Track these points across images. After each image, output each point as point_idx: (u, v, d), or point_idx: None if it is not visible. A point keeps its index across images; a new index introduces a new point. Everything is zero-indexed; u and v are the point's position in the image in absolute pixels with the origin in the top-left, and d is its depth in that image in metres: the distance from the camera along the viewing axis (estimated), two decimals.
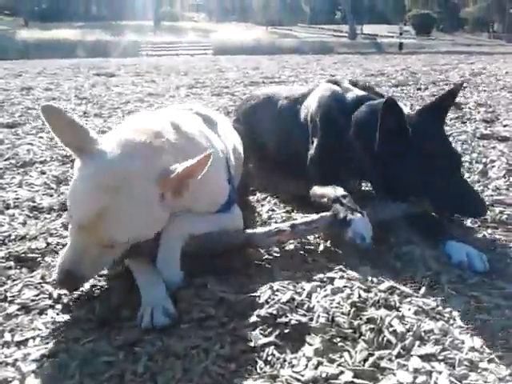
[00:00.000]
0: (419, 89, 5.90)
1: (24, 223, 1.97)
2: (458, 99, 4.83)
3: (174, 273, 1.39)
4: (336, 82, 2.21)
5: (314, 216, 1.69)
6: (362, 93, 2.07)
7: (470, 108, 4.39)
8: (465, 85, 6.09)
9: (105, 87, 6.57)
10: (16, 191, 2.35)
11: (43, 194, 2.32)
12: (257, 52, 16.88)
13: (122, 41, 19.96)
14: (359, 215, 1.63)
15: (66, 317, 1.31)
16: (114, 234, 1.26)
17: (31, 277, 1.51)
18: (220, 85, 6.78)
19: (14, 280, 1.49)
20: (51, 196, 2.29)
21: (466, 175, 2.48)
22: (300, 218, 1.87)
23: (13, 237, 1.81)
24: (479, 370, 1.06)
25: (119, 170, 1.26)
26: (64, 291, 1.38)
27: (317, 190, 1.91)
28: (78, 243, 1.27)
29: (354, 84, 2.16)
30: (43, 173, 2.64)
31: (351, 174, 2.08)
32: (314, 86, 2.37)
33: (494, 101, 4.80)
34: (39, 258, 1.64)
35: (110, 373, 1.06)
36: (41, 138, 3.51)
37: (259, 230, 1.63)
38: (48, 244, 1.73)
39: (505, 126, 3.64)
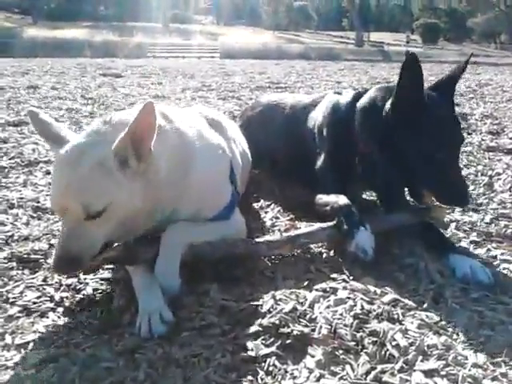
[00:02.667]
0: None
1: (27, 223, 1.97)
2: (464, 110, 4.86)
3: (172, 280, 1.38)
4: (338, 93, 2.21)
5: (316, 227, 1.68)
6: (360, 92, 2.06)
7: (476, 119, 4.38)
8: (471, 96, 6.09)
9: (111, 88, 6.58)
10: (20, 191, 2.35)
11: (47, 195, 2.32)
12: (264, 56, 16.90)
13: (129, 42, 20.03)
14: (362, 228, 1.62)
15: (68, 320, 1.31)
16: (83, 201, 1.26)
17: (33, 278, 1.52)
18: (226, 89, 6.79)
19: (16, 281, 1.49)
20: None
21: (471, 188, 2.47)
22: (303, 227, 1.87)
23: (16, 237, 1.81)
24: None
25: (76, 146, 1.33)
26: (61, 277, 1.43)
27: (320, 198, 1.90)
28: (63, 227, 1.32)
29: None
30: (48, 173, 2.64)
31: (357, 185, 2.08)
32: (320, 95, 2.37)
33: (500, 113, 4.79)
34: (41, 260, 1.64)
35: (110, 379, 1.05)
36: None
37: (260, 240, 1.61)
38: (51, 245, 1.73)
39: (511, 138, 3.63)
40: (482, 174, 2.68)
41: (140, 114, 1.26)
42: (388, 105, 1.76)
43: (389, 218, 1.83)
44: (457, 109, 4.88)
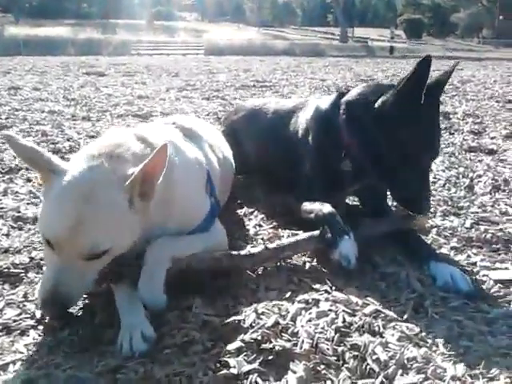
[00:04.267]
0: None
1: (7, 234, 1.94)
2: (446, 108, 4.91)
3: (157, 296, 1.37)
4: (319, 98, 2.23)
5: (300, 237, 1.69)
6: (343, 92, 2.07)
7: (458, 118, 4.42)
8: (454, 93, 6.16)
9: (94, 88, 6.52)
10: (0, 200, 2.32)
11: (28, 204, 2.30)
12: (248, 53, 16.90)
13: (113, 39, 19.84)
14: (346, 237, 1.63)
15: (48, 338, 1.29)
16: (94, 242, 1.25)
17: (13, 294, 1.50)
18: (211, 88, 6.77)
19: None
20: (36, 205, 2.26)
21: (453, 190, 2.50)
22: (286, 235, 1.88)
23: None
24: None
25: (85, 181, 1.28)
26: (51, 317, 1.36)
27: (305, 205, 1.90)
28: (58, 262, 1.26)
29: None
30: (29, 180, 2.62)
31: (342, 190, 2.09)
32: (302, 100, 2.38)
33: (482, 111, 4.85)
34: (22, 274, 1.62)
35: None
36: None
37: (244, 252, 1.61)
38: (32, 259, 1.71)
39: (492, 138, 3.68)
40: (463, 176, 2.72)
41: (154, 156, 1.26)
42: (382, 99, 1.76)
43: (372, 225, 1.84)
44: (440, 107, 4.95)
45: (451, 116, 4.52)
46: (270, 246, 1.64)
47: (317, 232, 1.70)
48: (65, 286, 1.25)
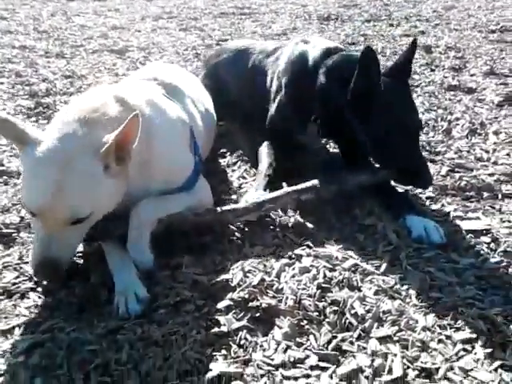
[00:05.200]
0: (391, 25, 5.82)
1: None
2: (428, 40, 4.84)
3: (144, 257, 1.44)
4: (306, 42, 2.20)
5: (282, 191, 1.74)
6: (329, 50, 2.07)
7: (440, 52, 4.38)
8: (437, 22, 6.04)
9: (65, 17, 6.19)
10: None
11: (10, 156, 2.29)
12: None
13: None
14: None
15: (48, 300, 1.37)
16: (73, 210, 1.29)
17: (9, 256, 1.55)
18: (188, 16, 6.49)
19: None
20: (19, 157, 2.25)
21: (431, 134, 2.56)
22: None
23: None
24: (429, 350, 1.18)
25: (59, 150, 1.30)
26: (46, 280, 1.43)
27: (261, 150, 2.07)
28: (43, 230, 1.31)
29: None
30: None
31: (312, 130, 2.14)
32: (284, 43, 2.36)
33: (464, 43, 4.79)
34: (14, 234, 1.67)
35: (95, 362, 1.13)
36: (1, 83, 3.37)
37: (228, 207, 1.67)
38: (22, 218, 1.74)
39: (472, 75, 3.68)
40: (441, 119, 2.75)
41: (125, 126, 1.28)
42: (349, 88, 1.80)
43: (351, 178, 1.90)
44: (422, 39, 4.86)
45: (433, 50, 4.47)
46: (252, 201, 1.71)
47: (299, 186, 1.76)
48: (53, 252, 1.30)
